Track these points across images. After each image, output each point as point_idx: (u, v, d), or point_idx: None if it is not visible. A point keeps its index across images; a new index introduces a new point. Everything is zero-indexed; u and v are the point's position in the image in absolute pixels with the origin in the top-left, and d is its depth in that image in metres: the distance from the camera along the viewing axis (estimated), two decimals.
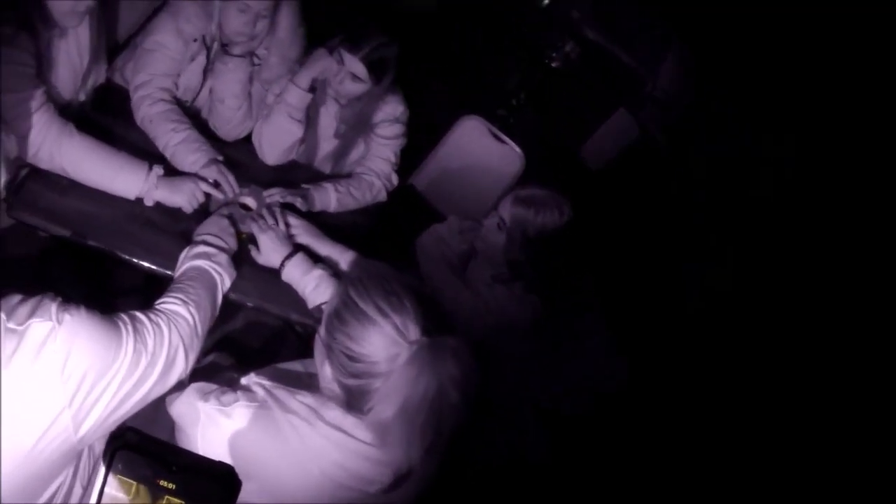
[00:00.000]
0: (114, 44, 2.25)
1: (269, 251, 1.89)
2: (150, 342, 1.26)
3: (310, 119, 2.33)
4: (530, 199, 2.04)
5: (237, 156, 2.30)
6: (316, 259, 1.94)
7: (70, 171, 1.85)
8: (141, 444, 0.72)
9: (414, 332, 1.21)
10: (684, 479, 2.72)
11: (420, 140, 3.00)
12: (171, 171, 2.03)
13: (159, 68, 2.16)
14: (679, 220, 3.57)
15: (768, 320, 3.20)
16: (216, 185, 2.02)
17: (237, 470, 1.20)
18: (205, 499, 0.74)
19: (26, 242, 1.97)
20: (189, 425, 1.32)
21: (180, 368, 1.33)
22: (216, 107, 2.29)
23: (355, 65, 2.15)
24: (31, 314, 1.10)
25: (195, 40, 2.17)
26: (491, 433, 2.27)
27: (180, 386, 1.37)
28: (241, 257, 1.87)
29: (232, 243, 1.81)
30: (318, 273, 1.83)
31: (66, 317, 1.12)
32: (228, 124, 2.31)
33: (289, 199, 2.12)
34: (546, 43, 3.72)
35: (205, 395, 1.32)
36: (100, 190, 1.89)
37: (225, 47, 2.20)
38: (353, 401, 1.27)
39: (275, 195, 2.10)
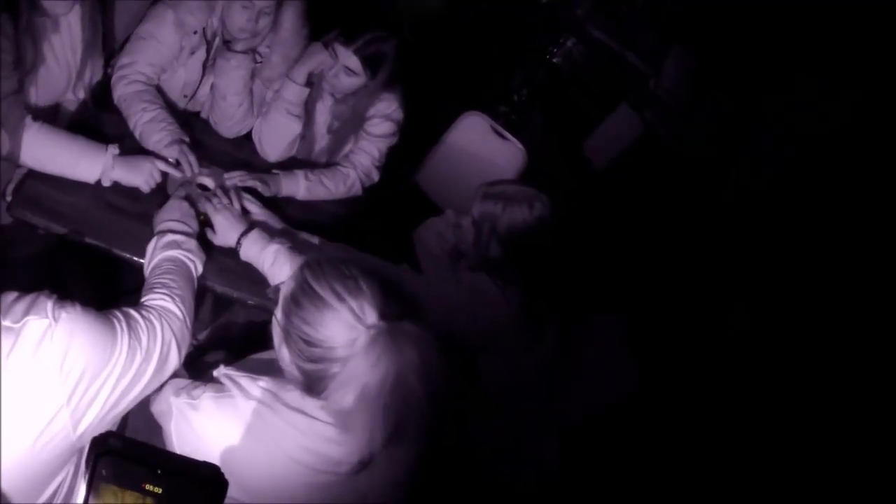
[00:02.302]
0: (114, 41, 2.24)
1: (225, 230, 1.85)
2: (144, 339, 1.26)
3: (307, 114, 2.32)
4: (498, 194, 2.02)
5: (239, 154, 2.30)
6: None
7: (29, 161, 1.82)
8: (125, 449, 0.71)
9: (371, 316, 1.19)
10: (699, 490, 2.69)
11: (423, 137, 3.00)
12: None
13: (145, 56, 2.16)
14: (685, 217, 3.55)
15: (781, 320, 3.17)
16: (178, 164, 2.01)
17: (209, 461, 1.21)
18: (192, 501, 0.73)
19: (31, 240, 1.97)
20: (165, 422, 1.32)
21: (174, 363, 1.34)
22: (218, 103, 2.28)
23: (349, 58, 2.14)
24: (27, 311, 1.10)
25: (195, 32, 2.17)
26: (497, 445, 2.28)
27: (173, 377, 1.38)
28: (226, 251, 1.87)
29: (196, 226, 1.80)
30: (274, 247, 1.79)
31: (63, 314, 1.12)
32: (230, 121, 2.31)
33: (249, 182, 2.09)
34: (548, 39, 3.71)
35: (177, 391, 1.32)
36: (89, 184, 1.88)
37: (227, 43, 2.19)
38: (312, 385, 1.25)
39: (235, 177, 2.08)
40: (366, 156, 2.38)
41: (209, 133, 2.32)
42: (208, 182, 2.03)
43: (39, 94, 1.93)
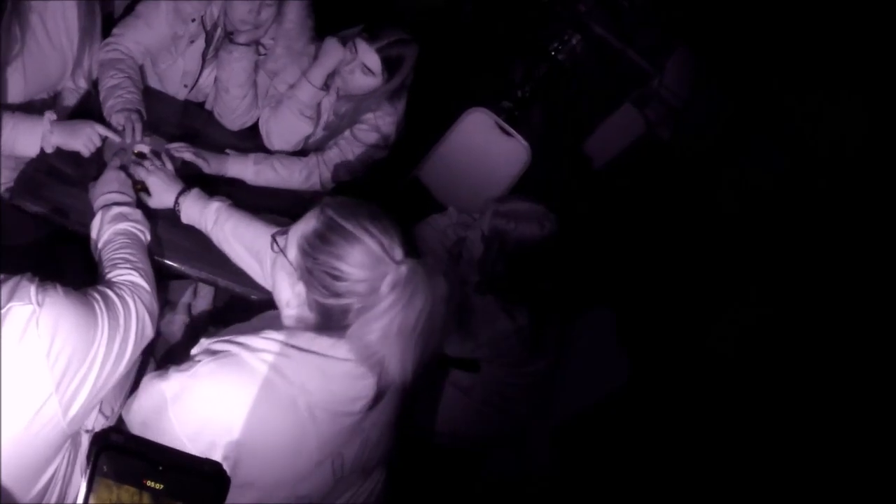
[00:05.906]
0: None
1: (160, 192, 1.79)
2: (121, 317, 1.26)
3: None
4: (510, 213, 2.05)
5: (243, 145, 2.27)
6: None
7: None
8: (126, 444, 0.69)
9: (399, 252, 1.25)
10: (691, 487, 2.69)
11: (426, 133, 2.99)
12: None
13: (132, 33, 2.14)
14: (686, 217, 3.55)
15: (778, 318, 3.17)
16: (123, 131, 1.96)
17: (220, 432, 1.20)
18: (195, 497, 0.71)
19: (29, 227, 1.96)
20: (157, 420, 1.26)
21: (148, 336, 1.35)
22: (221, 96, 2.26)
23: (370, 56, 2.11)
24: (10, 297, 1.09)
25: (193, 20, 2.14)
26: (496, 442, 2.28)
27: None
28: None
29: (134, 195, 1.77)
30: (215, 205, 1.74)
31: (47, 299, 1.11)
32: (233, 114, 2.28)
33: (187, 156, 2.02)
34: (552, 36, 3.71)
35: (162, 375, 1.28)
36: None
37: (230, 35, 2.16)
38: (331, 321, 1.28)
39: (174, 147, 2.01)
40: (338, 153, 2.30)
41: (213, 124, 2.30)
42: (145, 149, 1.96)
43: (31, 80, 1.91)
